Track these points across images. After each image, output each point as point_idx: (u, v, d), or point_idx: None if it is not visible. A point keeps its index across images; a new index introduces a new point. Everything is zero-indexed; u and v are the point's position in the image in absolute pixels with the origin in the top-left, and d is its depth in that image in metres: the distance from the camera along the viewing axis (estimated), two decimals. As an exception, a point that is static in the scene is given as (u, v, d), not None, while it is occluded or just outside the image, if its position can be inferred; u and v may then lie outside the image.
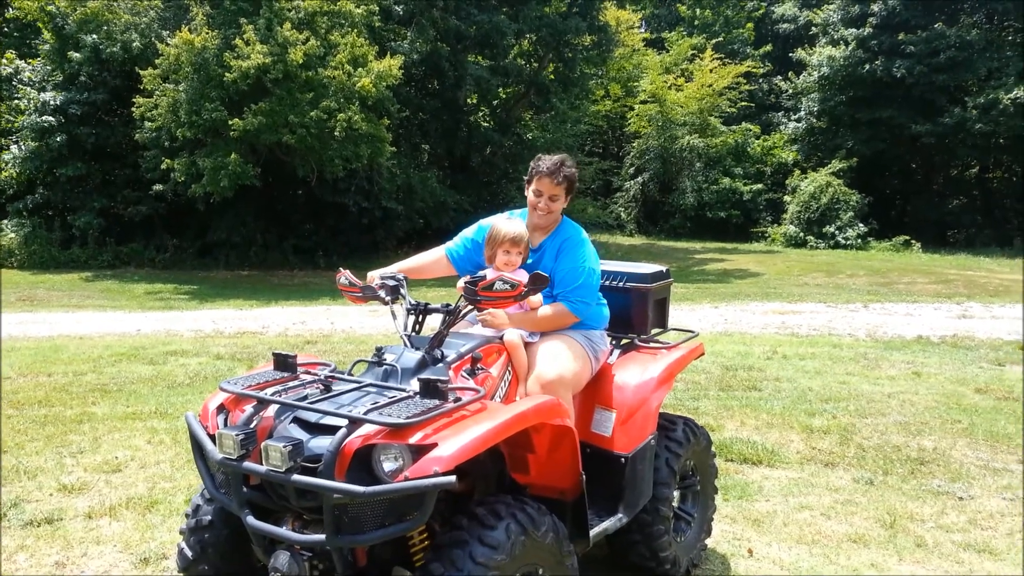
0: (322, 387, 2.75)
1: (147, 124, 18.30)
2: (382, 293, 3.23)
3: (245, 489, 2.61)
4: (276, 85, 17.38)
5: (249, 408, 2.69)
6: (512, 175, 25.29)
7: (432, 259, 3.77)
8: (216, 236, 21.07)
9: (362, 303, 3.33)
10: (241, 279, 19.08)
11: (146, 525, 4.27)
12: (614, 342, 3.92)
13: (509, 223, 3.48)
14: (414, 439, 2.38)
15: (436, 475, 2.29)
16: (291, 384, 2.80)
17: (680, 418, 3.95)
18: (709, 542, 4.22)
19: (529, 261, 3.50)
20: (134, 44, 19.21)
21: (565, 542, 2.77)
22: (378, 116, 18.78)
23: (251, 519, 2.54)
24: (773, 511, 4.70)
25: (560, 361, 3.29)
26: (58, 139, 19.63)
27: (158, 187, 19.35)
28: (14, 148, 20.47)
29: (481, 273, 3.24)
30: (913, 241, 26.00)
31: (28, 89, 20.82)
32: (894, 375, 8.39)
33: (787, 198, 28.86)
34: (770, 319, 12.88)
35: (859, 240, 26.41)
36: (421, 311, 3.16)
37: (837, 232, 26.72)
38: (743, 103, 31.93)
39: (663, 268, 4.11)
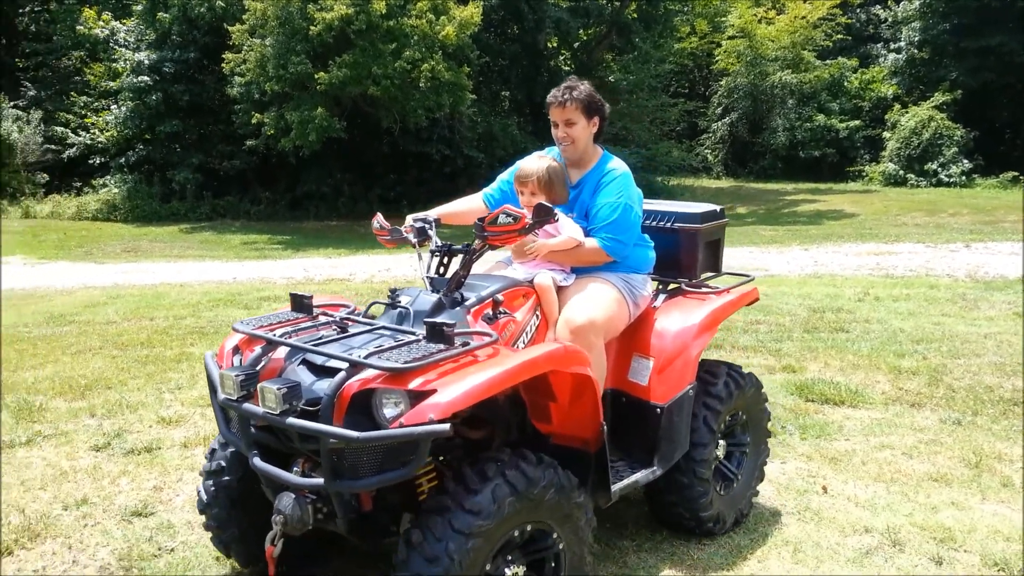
0: (337, 329, 2.71)
1: (236, 79, 18.82)
2: (410, 236, 3.18)
3: (254, 430, 2.58)
4: (359, 36, 17.51)
5: (258, 349, 2.68)
6: (595, 119, 24.89)
7: (471, 205, 3.67)
8: (306, 188, 21.64)
9: (392, 246, 3.30)
10: (330, 229, 19.61)
11: (237, 455, 4.53)
12: (661, 286, 3.74)
13: (526, 160, 3.34)
14: (413, 384, 2.31)
15: (431, 422, 2.22)
16: (303, 325, 2.77)
17: (723, 366, 3.66)
18: (782, 478, 4.19)
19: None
20: (218, 4, 19.66)
21: (575, 494, 2.66)
22: (458, 64, 18.73)
23: (257, 460, 2.52)
24: (852, 450, 4.61)
25: (592, 305, 3.15)
26: (154, 97, 20.40)
27: (250, 142, 19.96)
28: (114, 108, 21.44)
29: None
30: (1022, 177, 24.40)
31: (124, 50, 21.67)
32: (993, 316, 8.00)
33: (886, 134, 27.39)
34: (864, 260, 12.44)
35: (963, 177, 24.91)
36: (444, 252, 3.07)
37: (939, 169, 25.26)
38: (839, 36, 30.26)
39: (716, 207, 3.83)
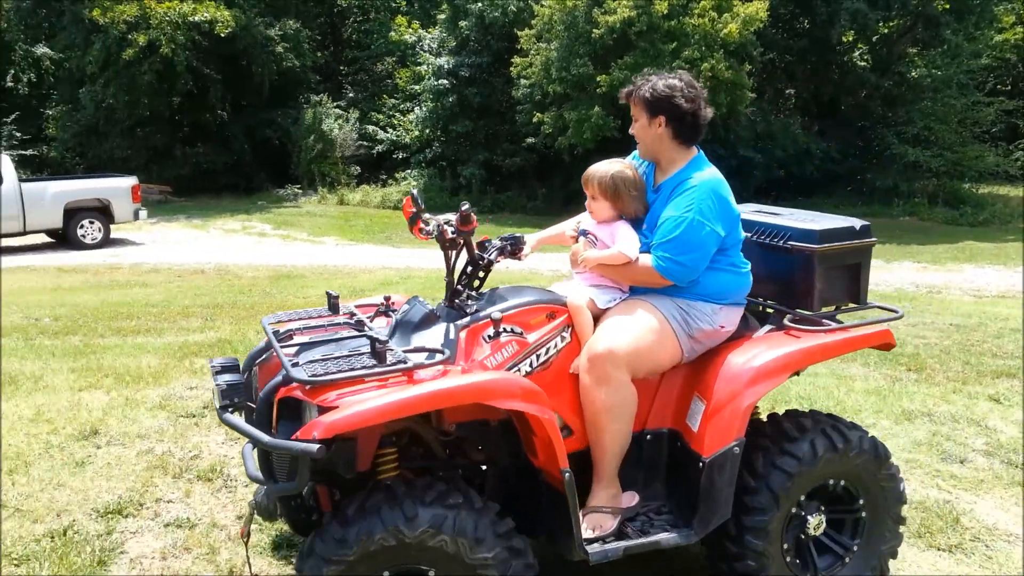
0: (353, 331, 2.77)
1: (522, 81, 19.99)
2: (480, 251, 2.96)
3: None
4: (640, 38, 17.79)
5: (261, 344, 2.85)
6: (891, 120, 22.88)
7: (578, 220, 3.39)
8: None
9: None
10: (600, 226, 20.14)
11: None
12: (774, 314, 3.19)
13: (600, 162, 3.08)
14: (323, 399, 2.31)
15: (313, 440, 2.20)
16: (315, 323, 2.89)
17: (823, 420, 3.02)
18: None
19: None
20: (511, 8, 20.99)
21: (477, 535, 2.41)
22: (739, 62, 18.30)
23: (246, 447, 2.62)
24: None
25: (621, 333, 2.77)
26: (450, 99, 22.35)
27: (530, 140, 21.12)
28: (416, 109, 23.82)
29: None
30: None
31: (427, 55, 24.02)
32: None
33: None
34: None
35: None
36: (475, 264, 2.92)
37: None
38: None
39: (855, 224, 3.12)
